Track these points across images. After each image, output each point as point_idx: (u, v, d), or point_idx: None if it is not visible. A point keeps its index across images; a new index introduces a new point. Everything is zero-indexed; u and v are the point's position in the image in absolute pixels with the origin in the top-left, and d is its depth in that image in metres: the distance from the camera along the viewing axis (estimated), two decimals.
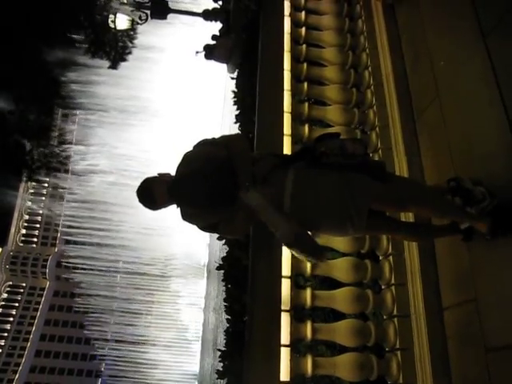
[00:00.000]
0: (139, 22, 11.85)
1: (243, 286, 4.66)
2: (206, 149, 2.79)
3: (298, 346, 3.52)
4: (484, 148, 3.23)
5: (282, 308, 3.33)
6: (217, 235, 3.39)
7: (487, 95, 3.22)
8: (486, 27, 3.35)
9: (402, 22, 4.76)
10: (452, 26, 3.87)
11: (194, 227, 2.86)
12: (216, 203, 2.69)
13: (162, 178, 2.75)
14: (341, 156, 2.69)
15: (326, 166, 2.70)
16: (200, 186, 2.66)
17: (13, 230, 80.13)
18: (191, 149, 2.82)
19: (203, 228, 2.88)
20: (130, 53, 21.82)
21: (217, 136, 2.90)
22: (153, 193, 2.70)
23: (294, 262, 3.52)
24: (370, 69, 4.70)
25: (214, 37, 11.13)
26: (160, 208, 2.77)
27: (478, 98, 3.36)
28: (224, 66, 12.81)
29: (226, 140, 2.84)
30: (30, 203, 79.15)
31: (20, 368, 70.57)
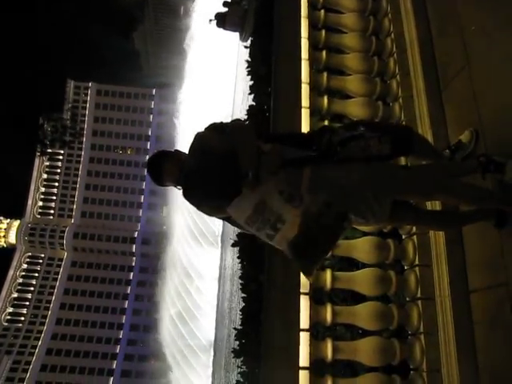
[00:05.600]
0: None
1: (259, 264, 4.54)
2: (212, 138, 2.65)
3: (317, 328, 3.40)
4: None
5: (301, 291, 3.20)
6: None
7: None
8: None
9: None
10: None
11: None
12: (221, 197, 2.55)
13: (178, 157, 2.68)
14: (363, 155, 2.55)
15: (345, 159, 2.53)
16: (206, 182, 2.59)
17: (30, 202, 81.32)
18: (202, 130, 2.72)
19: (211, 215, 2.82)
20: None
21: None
22: (162, 171, 2.67)
23: None
24: (392, 35, 4.40)
25: (225, 3, 10.75)
26: (165, 186, 2.75)
27: None
28: (236, 34, 12.42)
29: (232, 129, 2.68)
30: (45, 175, 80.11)
31: (42, 335, 72.96)
